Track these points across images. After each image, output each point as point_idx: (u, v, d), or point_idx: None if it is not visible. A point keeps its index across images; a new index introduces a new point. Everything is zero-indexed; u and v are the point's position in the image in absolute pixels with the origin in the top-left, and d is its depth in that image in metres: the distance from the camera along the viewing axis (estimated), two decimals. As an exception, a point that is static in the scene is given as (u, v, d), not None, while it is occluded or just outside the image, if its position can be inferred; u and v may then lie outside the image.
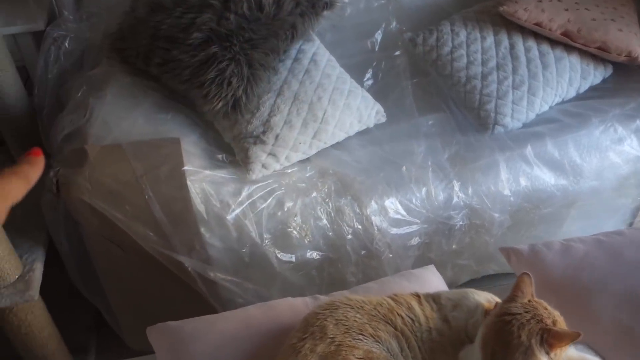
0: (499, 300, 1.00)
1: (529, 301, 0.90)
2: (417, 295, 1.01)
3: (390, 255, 1.40)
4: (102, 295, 1.37)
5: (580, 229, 1.55)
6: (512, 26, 1.55)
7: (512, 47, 1.51)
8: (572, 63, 1.49)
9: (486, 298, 1.00)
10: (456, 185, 1.39)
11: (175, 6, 1.34)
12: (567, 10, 1.49)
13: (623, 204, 1.53)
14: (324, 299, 1.14)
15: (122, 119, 1.30)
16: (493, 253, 1.54)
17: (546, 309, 0.90)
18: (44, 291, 1.25)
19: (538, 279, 1.18)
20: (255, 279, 1.35)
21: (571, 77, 1.48)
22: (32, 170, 0.46)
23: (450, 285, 1.23)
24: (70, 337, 1.42)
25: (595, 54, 1.50)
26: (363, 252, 1.38)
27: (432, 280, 1.20)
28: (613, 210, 1.54)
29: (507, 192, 1.40)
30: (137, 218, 1.21)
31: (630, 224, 1.60)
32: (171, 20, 1.33)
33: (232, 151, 1.35)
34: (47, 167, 1.28)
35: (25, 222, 1.38)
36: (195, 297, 1.34)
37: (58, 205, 1.25)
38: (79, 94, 1.38)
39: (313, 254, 1.35)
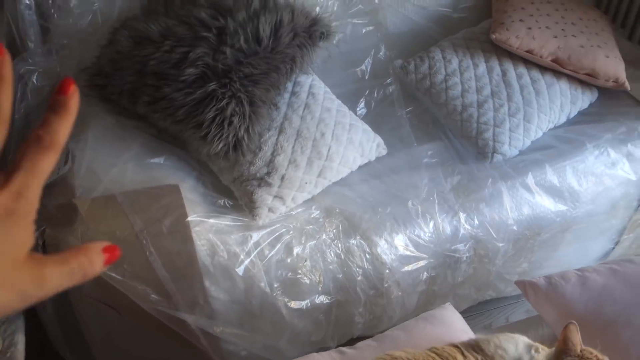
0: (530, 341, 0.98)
1: (581, 351, 0.88)
2: (457, 346, 0.98)
3: (399, 294, 1.35)
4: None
5: (574, 251, 1.57)
6: (502, 52, 1.55)
7: (504, 74, 1.51)
8: (562, 89, 1.51)
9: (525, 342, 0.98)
10: (462, 217, 1.37)
11: (163, 39, 1.23)
12: (556, 37, 1.51)
13: (612, 225, 1.56)
14: (350, 352, 1.08)
15: (111, 165, 1.18)
16: (493, 281, 1.53)
17: (597, 356, 0.89)
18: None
19: (560, 313, 1.17)
20: (262, 329, 1.26)
21: (562, 102, 1.50)
22: (60, 126, 0.36)
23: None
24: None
25: (583, 80, 1.53)
26: (372, 292, 1.33)
27: (454, 321, 1.16)
28: (603, 232, 1.57)
29: (510, 221, 1.39)
30: (137, 277, 1.09)
31: (617, 243, 1.64)
32: (160, 54, 1.22)
33: (232, 194, 1.26)
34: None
35: None
36: (196, 353, 1.23)
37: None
38: (54, 137, 1.24)
39: (323, 299, 1.28)
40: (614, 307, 1.12)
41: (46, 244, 1.06)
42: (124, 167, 1.18)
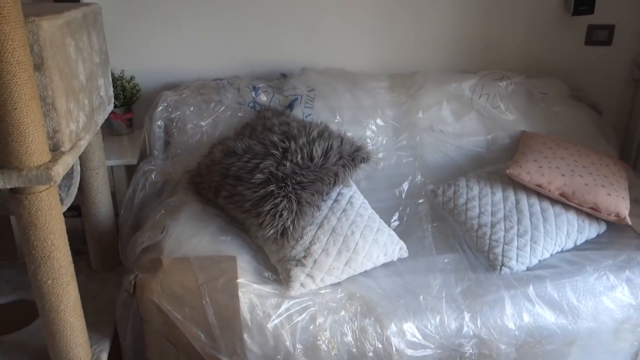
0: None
1: None
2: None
3: (407, 376, 1.56)
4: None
5: (584, 369, 1.69)
6: (518, 185, 1.85)
7: (517, 202, 1.80)
8: (570, 219, 1.75)
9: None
10: (466, 316, 1.59)
11: (244, 153, 1.71)
12: (563, 175, 1.79)
13: (621, 348, 1.68)
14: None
15: (191, 237, 1.60)
16: (502, 384, 1.67)
17: None
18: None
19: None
20: (286, 386, 1.53)
21: (569, 230, 1.73)
22: None
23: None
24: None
25: (589, 213, 1.76)
26: (382, 370, 1.56)
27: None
28: (612, 353, 1.68)
29: (511, 325, 1.59)
30: (193, 320, 1.45)
31: (633, 369, 1.72)
32: (240, 163, 1.69)
33: (277, 272, 1.61)
34: (126, 272, 1.57)
35: (96, 317, 1.64)
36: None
37: (131, 305, 1.51)
38: (157, 216, 1.71)
39: (338, 368, 1.54)
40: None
41: (136, 285, 1.47)
42: (200, 239, 1.60)
